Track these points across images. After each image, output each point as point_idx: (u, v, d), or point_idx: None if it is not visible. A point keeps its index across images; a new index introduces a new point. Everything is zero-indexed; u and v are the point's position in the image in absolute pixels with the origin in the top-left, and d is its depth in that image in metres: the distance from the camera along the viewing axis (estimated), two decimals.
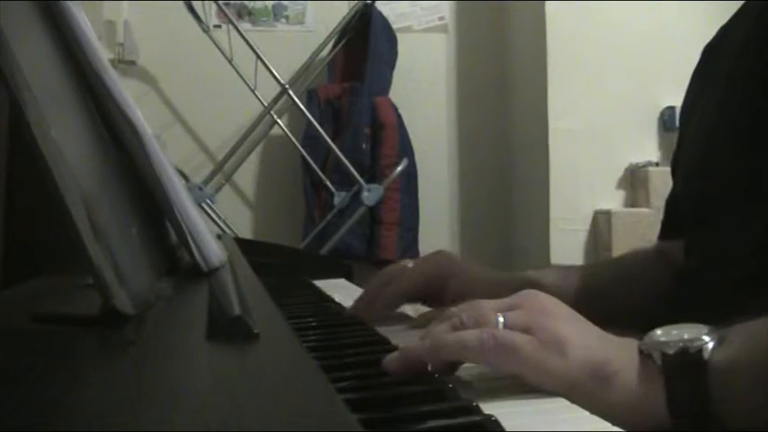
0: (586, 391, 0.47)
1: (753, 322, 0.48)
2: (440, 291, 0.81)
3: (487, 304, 0.53)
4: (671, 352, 0.47)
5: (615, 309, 0.76)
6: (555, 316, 0.51)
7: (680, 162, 0.84)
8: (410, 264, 0.84)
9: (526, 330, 0.49)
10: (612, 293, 0.83)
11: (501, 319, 0.51)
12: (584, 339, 0.50)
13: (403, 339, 0.64)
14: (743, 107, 0.69)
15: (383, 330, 0.71)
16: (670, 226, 0.89)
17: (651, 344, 0.48)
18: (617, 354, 0.49)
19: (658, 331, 0.49)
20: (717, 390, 0.45)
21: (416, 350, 0.51)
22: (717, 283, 0.68)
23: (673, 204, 0.88)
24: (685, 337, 0.47)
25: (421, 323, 0.76)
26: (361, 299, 0.83)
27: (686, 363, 0.47)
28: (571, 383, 0.48)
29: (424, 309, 0.86)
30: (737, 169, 0.69)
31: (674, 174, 0.88)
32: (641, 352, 0.49)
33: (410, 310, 0.85)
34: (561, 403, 0.47)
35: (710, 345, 0.47)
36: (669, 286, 0.79)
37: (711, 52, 0.83)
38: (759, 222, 0.64)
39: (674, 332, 0.48)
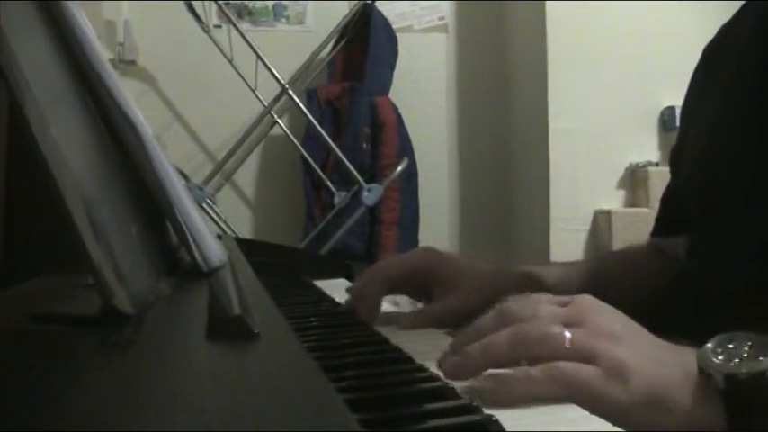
0: (647, 418, 0.46)
1: None
2: (427, 282, 0.80)
3: (548, 314, 0.51)
4: (733, 373, 0.45)
5: (616, 299, 0.76)
6: (620, 339, 0.49)
7: (682, 162, 0.84)
8: (395, 257, 0.83)
9: (591, 356, 0.47)
10: (612, 289, 0.83)
11: (568, 335, 0.48)
12: (646, 364, 0.48)
13: (403, 339, 0.64)
14: (747, 108, 0.69)
15: (383, 330, 0.71)
16: (665, 223, 0.89)
17: (710, 364, 0.47)
18: (674, 374, 0.48)
19: (711, 345, 0.47)
20: None
21: (481, 368, 0.49)
22: (721, 283, 0.67)
23: (669, 200, 0.88)
24: (746, 355, 0.46)
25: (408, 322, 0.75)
26: (350, 292, 0.81)
27: (749, 386, 0.45)
28: (631, 413, 0.46)
29: (406, 301, 0.85)
30: (742, 170, 0.69)
31: (672, 170, 0.88)
32: (700, 370, 0.47)
33: (407, 304, 0.85)
34: (561, 403, 0.47)
35: None
36: (667, 283, 0.78)
37: (712, 52, 0.83)
38: (764, 223, 0.64)
39: (731, 346, 0.47)
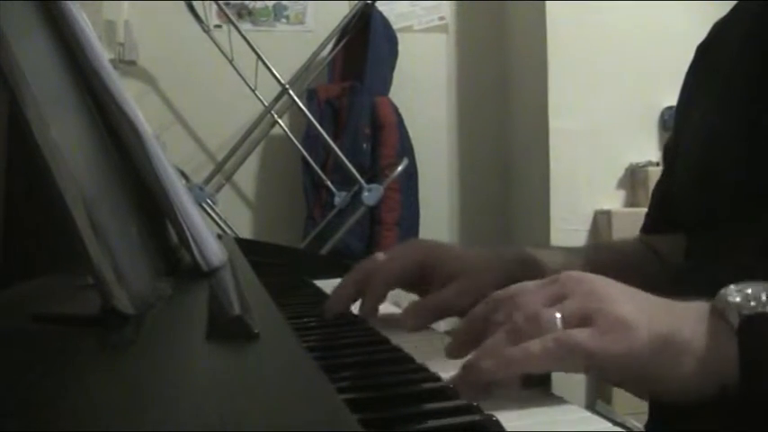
0: (659, 366, 0.46)
1: None
2: (427, 276, 0.77)
3: (533, 297, 0.50)
4: (748, 312, 0.45)
5: None
6: (609, 297, 0.48)
7: (677, 163, 0.83)
8: (382, 255, 0.79)
9: (585, 320, 0.47)
10: (614, 276, 0.82)
11: (558, 315, 0.48)
12: (646, 314, 0.47)
13: (404, 339, 0.64)
14: (742, 107, 0.69)
15: (383, 330, 0.71)
16: (657, 220, 0.88)
17: (726, 303, 0.46)
18: (683, 320, 0.47)
19: (732, 288, 0.47)
20: None
21: (481, 369, 0.47)
22: (720, 285, 0.67)
23: (661, 200, 0.88)
24: (763, 298, 0.46)
25: (409, 314, 0.74)
26: (338, 294, 0.78)
27: (764, 326, 0.45)
28: (642, 364, 0.46)
29: (405, 297, 0.83)
30: (738, 172, 0.69)
31: (665, 164, 0.87)
32: (714, 311, 0.47)
33: (405, 300, 0.84)
34: (561, 403, 0.47)
35: None
36: (659, 281, 0.78)
37: (706, 50, 0.82)
38: (762, 224, 0.64)
39: (749, 291, 0.47)
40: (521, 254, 0.80)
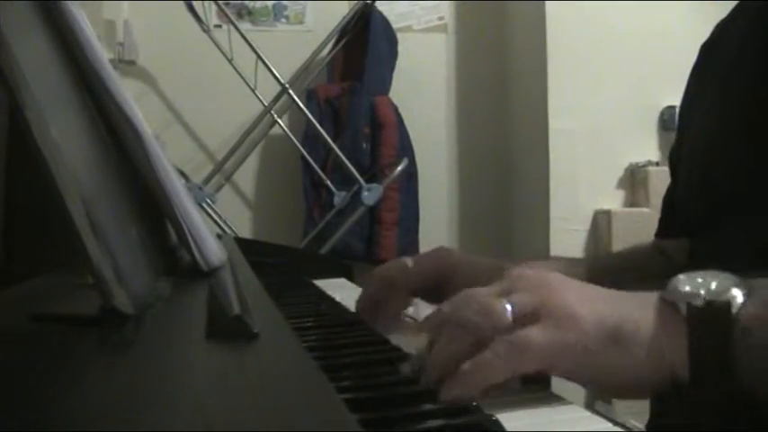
0: (608, 355, 0.46)
1: None
2: (442, 286, 0.78)
3: (483, 292, 0.50)
4: (698, 303, 0.45)
5: None
6: (557, 288, 0.49)
7: (681, 165, 0.83)
8: (409, 261, 0.81)
9: (536, 312, 0.47)
10: (616, 286, 0.83)
11: (509, 307, 0.47)
12: (593, 304, 0.48)
13: (404, 341, 0.64)
14: (744, 107, 0.69)
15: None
16: (667, 225, 0.88)
17: (676, 293, 0.47)
18: (633, 310, 0.47)
19: (681, 277, 0.47)
20: (742, 346, 0.44)
21: (448, 392, 0.46)
22: None
23: (670, 203, 0.88)
24: (712, 288, 0.46)
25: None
26: (362, 300, 0.79)
27: (713, 315, 0.45)
28: (591, 352, 0.46)
29: (423, 306, 0.84)
30: (741, 170, 0.69)
31: (672, 170, 0.88)
32: (663, 301, 0.47)
33: (409, 309, 0.84)
34: (561, 403, 0.47)
35: (740, 299, 0.45)
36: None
37: (709, 50, 0.83)
38: (764, 226, 0.64)
39: (699, 280, 0.47)
40: (533, 267, 0.81)
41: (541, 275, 0.51)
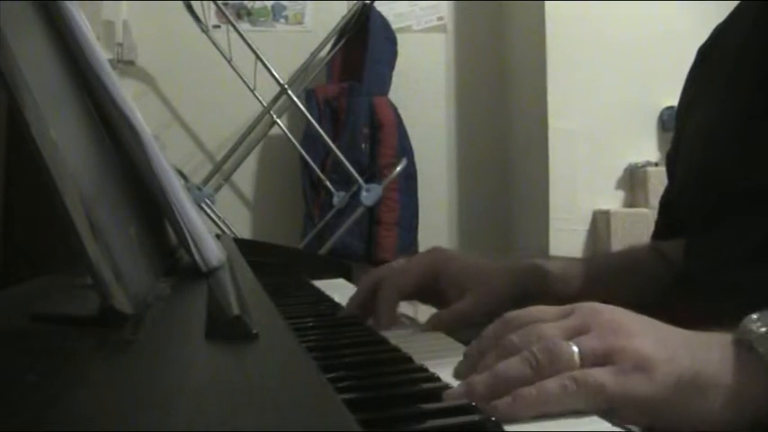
0: (685, 405, 0.44)
1: None
2: (437, 286, 0.79)
3: (550, 330, 0.48)
4: None
5: (619, 298, 0.76)
6: (630, 332, 0.46)
7: (678, 165, 0.84)
8: (403, 263, 0.81)
9: (606, 357, 0.45)
10: (616, 284, 0.83)
11: (576, 350, 0.45)
12: (668, 351, 0.45)
13: (406, 342, 0.64)
14: (743, 109, 0.69)
15: (383, 331, 0.71)
16: (664, 227, 0.89)
17: (751, 333, 0.45)
18: (706, 355, 0.46)
19: (754, 317, 0.46)
20: None
21: (497, 408, 0.44)
22: (718, 286, 0.67)
23: (667, 205, 0.88)
24: None
25: (429, 327, 0.74)
26: (351, 303, 0.80)
27: None
28: (666, 404, 0.44)
29: (422, 307, 0.84)
30: (737, 173, 0.69)
31: (669, 173, 0.88)
32: (739, 342, 0.46)
33: (409, 309, 0.84)
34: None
35: None
36: (669, 283, 0.78)
37: (707, 53, 0.83)
38: (760, 226, 0.64)
39: None
40: (532, 265, 0.81)
41: (615, 316, 0.48)
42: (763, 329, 0.45)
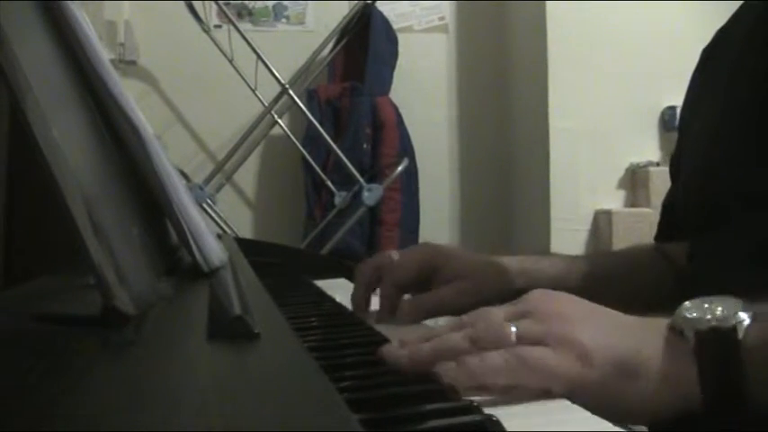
0: (618, 389, 0.46)
1: None
2: (429, 280, 0.79)
3: (498, 314, 0.51)
4: (704, 329, 0.45)
5: (620, 298, 0.76)
6: (569, 319, 0.48)
7: (681, 166, 0.83)
8: (394, 254, 0.82)
9: (540, 341, 0.47)
10: (617, 283, 0.83)
11: (513, 329, 0.48)
12: (604, 337, 0.47)
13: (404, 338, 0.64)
14: (746, 111, 0.69)
15: (384, 330, 0.71)
16: (667, 228, 0.88)
17: (682, 320, 0.46)
18: (642, 340, 0.47)
19: (688, 304, 0.47)
20: (753, 369, 0.44)
21: (445, 373, 0.47)
22: (722, 288, 0.67)
23: (670, 207, 0.88)
24: (718, 313, 0.45)
25: (409, 309, 0.75)
26: (357, 291, 0.82)
27: (720, 341, 0.44)
28: (601, 387, 0.46)
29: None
30: (741, 174, 0.69)
31: (672, 175, 0.88)
32: (671, 329, 0.47)
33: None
34: (561, 403, 0.47)
35: (746, 322, 0.45)
36: (671, 284, 0.78)
37: (710, 55, 0.82)
38: (764, 227, 0.64)
39: (706, 306, 0.46)
40: (523, 263, 0.82)
41: (557, 303, 0.50)
42: (694, 315, 0.46)
